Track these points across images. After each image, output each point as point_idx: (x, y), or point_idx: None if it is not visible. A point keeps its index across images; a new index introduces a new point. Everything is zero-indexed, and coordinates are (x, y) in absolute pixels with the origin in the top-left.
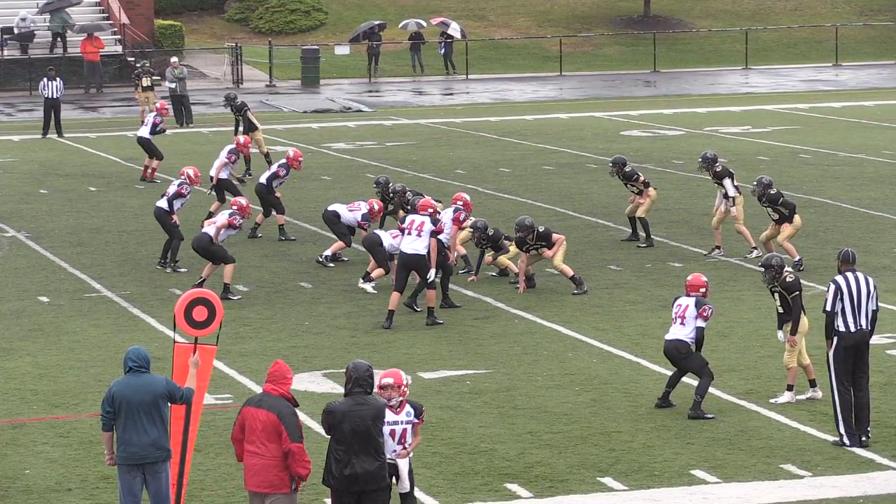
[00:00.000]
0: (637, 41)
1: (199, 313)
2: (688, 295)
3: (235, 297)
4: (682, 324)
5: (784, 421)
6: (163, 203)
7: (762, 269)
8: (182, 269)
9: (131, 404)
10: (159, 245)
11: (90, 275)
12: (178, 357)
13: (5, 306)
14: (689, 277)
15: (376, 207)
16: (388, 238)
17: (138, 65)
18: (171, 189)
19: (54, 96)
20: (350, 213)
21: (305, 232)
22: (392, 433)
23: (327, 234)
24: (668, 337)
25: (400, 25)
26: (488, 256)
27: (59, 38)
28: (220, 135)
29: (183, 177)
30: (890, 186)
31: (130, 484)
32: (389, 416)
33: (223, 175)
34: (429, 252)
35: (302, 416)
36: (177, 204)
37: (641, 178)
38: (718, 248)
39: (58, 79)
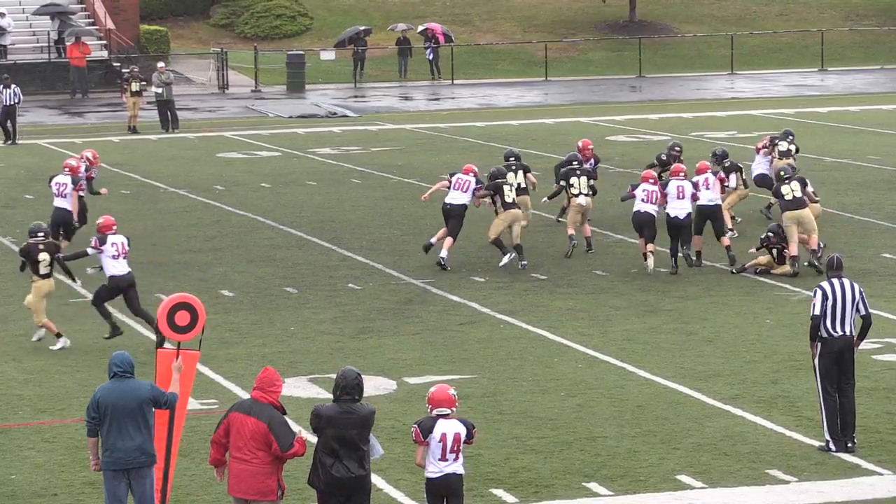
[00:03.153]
0: (622, 46)
1: (182, 318)
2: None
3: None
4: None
5: (770, 426)
6: (66, 203)
7: None
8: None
9: (116, 409)
10: (145, 250)
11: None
12: (162, 363)
13: None
14: None
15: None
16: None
17: (126, 70)
18: (68, 184)
19: (11, 103)
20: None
21: (291, 237)
22: None
23: (313, 238)
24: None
25: (389, 28)
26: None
27: (58, 45)
28: (206, 140)
29: (66, 169)
30: (875, 191)
31: (115, 489)
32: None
33: None
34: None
35: (288, 423)
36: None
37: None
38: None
39: (13, 85)
